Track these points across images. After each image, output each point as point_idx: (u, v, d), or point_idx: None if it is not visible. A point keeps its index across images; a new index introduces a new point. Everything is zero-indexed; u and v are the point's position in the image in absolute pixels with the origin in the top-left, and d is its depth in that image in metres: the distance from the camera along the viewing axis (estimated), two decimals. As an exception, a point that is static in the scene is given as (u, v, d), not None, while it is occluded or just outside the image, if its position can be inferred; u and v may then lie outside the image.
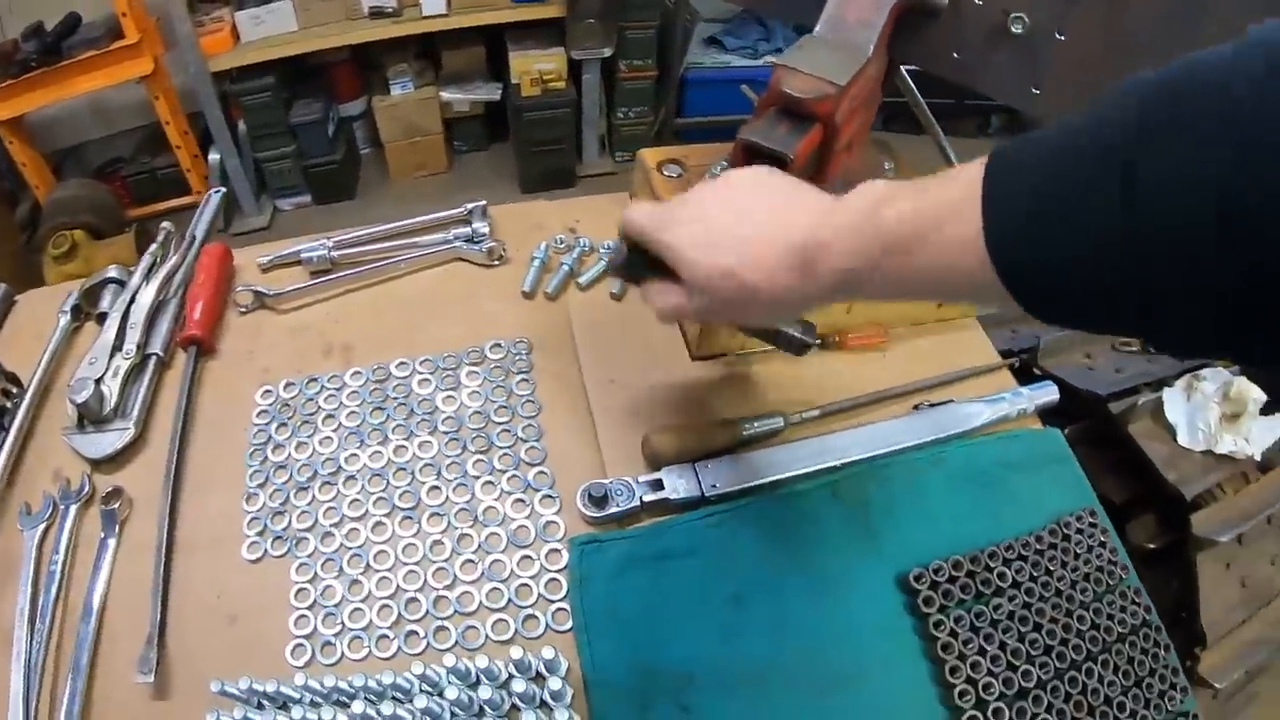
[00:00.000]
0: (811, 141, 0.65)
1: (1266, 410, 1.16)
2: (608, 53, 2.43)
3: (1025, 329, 1.21)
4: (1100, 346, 1.26)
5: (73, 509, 0.64)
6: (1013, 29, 0.68)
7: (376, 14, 2.21)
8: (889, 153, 0.89)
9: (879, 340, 0.74)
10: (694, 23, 2.57)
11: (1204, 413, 1.18)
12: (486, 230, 0.79)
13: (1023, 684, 0.57)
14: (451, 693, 0.49)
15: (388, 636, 0.56)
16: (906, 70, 0.82)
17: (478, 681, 0.52)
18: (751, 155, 0.64)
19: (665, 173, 0.81)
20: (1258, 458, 1.24)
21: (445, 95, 2.54)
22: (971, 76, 0.76)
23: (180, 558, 0.61)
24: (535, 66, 2.38)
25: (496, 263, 0.79)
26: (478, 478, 0.63)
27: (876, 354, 0.75)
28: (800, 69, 0.65)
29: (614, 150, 2.84)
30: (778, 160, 0.62)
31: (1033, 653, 0.58)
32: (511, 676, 0.52)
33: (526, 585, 0.58)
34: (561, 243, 0.80)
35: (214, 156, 2.32)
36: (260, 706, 0.51)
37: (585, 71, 2.47)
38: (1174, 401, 1.19)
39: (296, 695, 0.51)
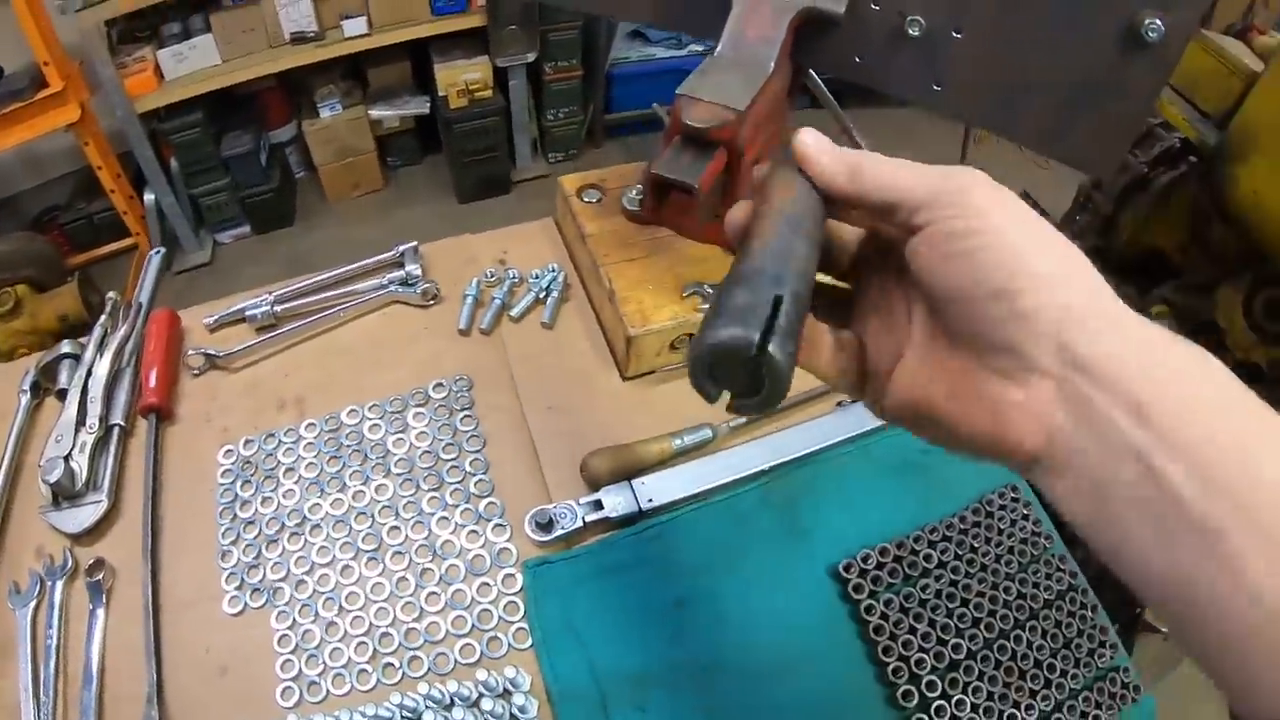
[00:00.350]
0: (716, 167, 0.69)
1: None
2: (531, 57, 2.47)
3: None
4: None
5: (59, 584, 0.69)
6: (910, 31, 0.74)
7: (299, 39, 2.23)
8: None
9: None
10: (617, 19, 2.60)
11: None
12: (419, 271, 0.83)
13: (954, 656, 0.63)
14: (429, 717, 0.56)
15: (366, 671, 0.62)
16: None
17: (451, 704, 0.59)
18: (661, 187, 0.69)
19: (585, 198, 0.85)
20: None
21: (374, 113, 2.57)
22: (875, 78, 0.81)
23: (167, 618, 0.66)
24: (461, 77, 2.41)
25: (432, 302, 0.84)
26: (432, 514, 0.69)
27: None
28: (701, 97, 0.70)
29: (547, 152, 2.90)
30: (684, 189, 0.67)
31: (961, 626, 0.64)
32: (481, 695, 0.59)
33: (487, 610, 0.64)
34: (492, 275, 0.85)
35: (149, 197, 2.33)
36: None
37: (511, 77, 2.51)
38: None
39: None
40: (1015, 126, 0.78)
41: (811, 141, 0.36)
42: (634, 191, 0.84)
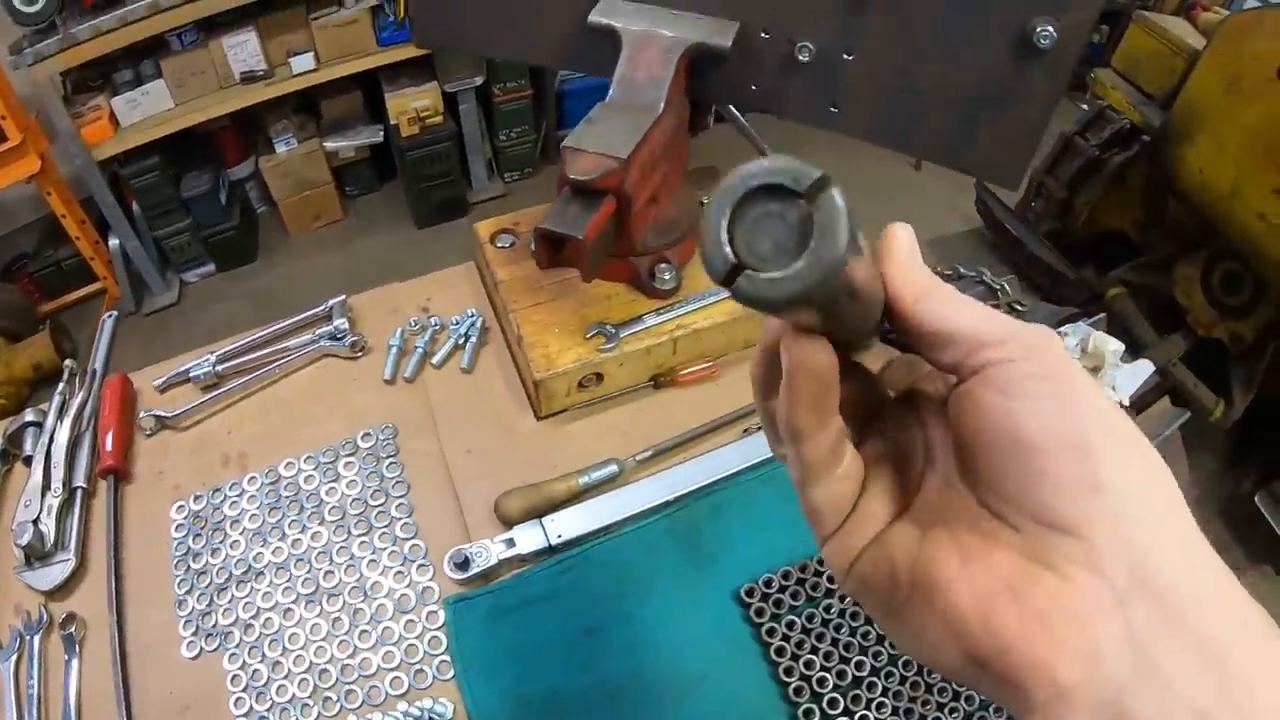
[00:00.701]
0: (604, 215, 0.74)
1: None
2: (480, 80, 2.54)
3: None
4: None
5: (36, 638, 0.76)
6: (800, 57, 0.78)
7: (249, 79, 2.31)
8: (710, 184, 1.00)
9: (710, 372, 0.87)
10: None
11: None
12: (346, 325, 0.90)
13: (856, 674, 0.67)
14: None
15: (309, 705, 0.69)
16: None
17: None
18: (550, 242, 0.75)
19: (498, 244, 0.92)
20: (1126, 402, 1.38)
21: (329, 145, 2.64)
22: (771, 105, 0.86)
23: (134, 664, 0.73)
24: (411, 105, 2.48)
25: (360, 354, 0.90)
26: (363, 557, 0.76)
27: (711, 384, 0.87)
28: (585, 148, 0.75)
29: (502, 172, 2.96)
30: (561, 242, 0.73)
31: (865, 644, 0.68)
32: (412, 720, 0.67)
33: (413, 644, 0.71)
34: (416, 324, 0.92)
35: (114, 242, 2.41)
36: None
37: (461, 102, 2.57)
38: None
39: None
40: (916, 142, 0.82)
41: (903, 240, 0.30)
42: (509, 239, 0.91)
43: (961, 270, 1.59)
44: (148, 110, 2.27)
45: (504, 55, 1.43)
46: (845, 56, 0.77)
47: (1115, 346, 1.37)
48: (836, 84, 0.80)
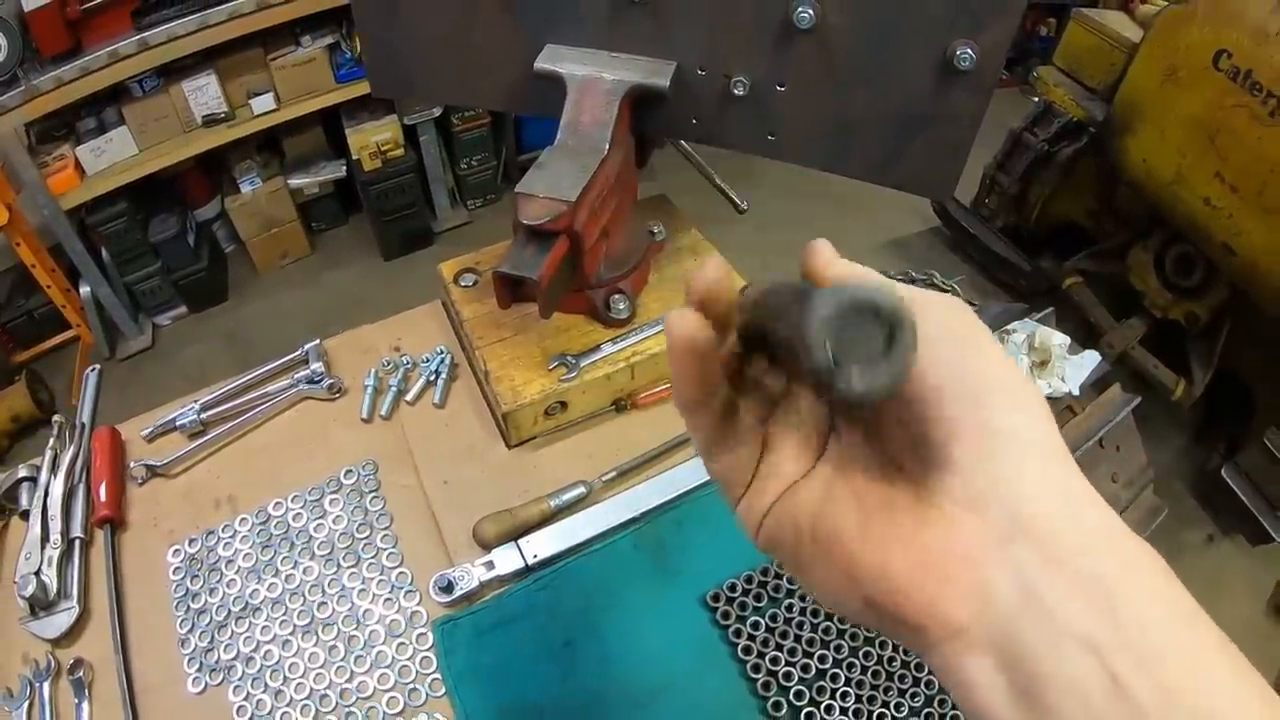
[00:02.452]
0: (557, 255, 0.80)
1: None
2: (438, 112, 2.62)
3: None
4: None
5: (46, 685, 0.82)
6: (735, 91, 0.84)
7: (211, 121, 2.39)
8: (660, 213, 1.07)
9: (668, 393, 0.93)
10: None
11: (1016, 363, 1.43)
12: (323, 368, 0.97)
13: (820, 667, 0.74)
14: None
15: None
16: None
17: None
18: (508, 282, 0.82)
19: (461, 283, 0.99)
20: (1076, 393, 1.49)
21: (293, 182, 2.72)
22: (713, 137, 0.92)
23: (142, 703, 0.79)
24: (372, 139, 2.56)
25: (337, 395, 0.97)
26: (353, 588, 0.83)
27: (668, 405, 0.94)
28: (536, 193, 0.81)
29: (465, 200, 3.05)
30: (520, 282, 0.80)
31: (826, 639, 0.75)
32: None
33: (406, 666, 0.78)
34: (388, 363, 0.99)
35: (85, 289, 2.47)
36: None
37: (421, 133, 2.65)
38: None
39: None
40: (849, 164, 0.87)
41: (823, 251, 0.33)
42: (472, 279, 0.98)
43: (913, 274, 1.69)
44: (113, 157, 2.34)
45: (456, 102, 1.50)
46: (778, 88, 0.83)
47: (1061, 340, 1.48)
48: (772, 114, 0.85)
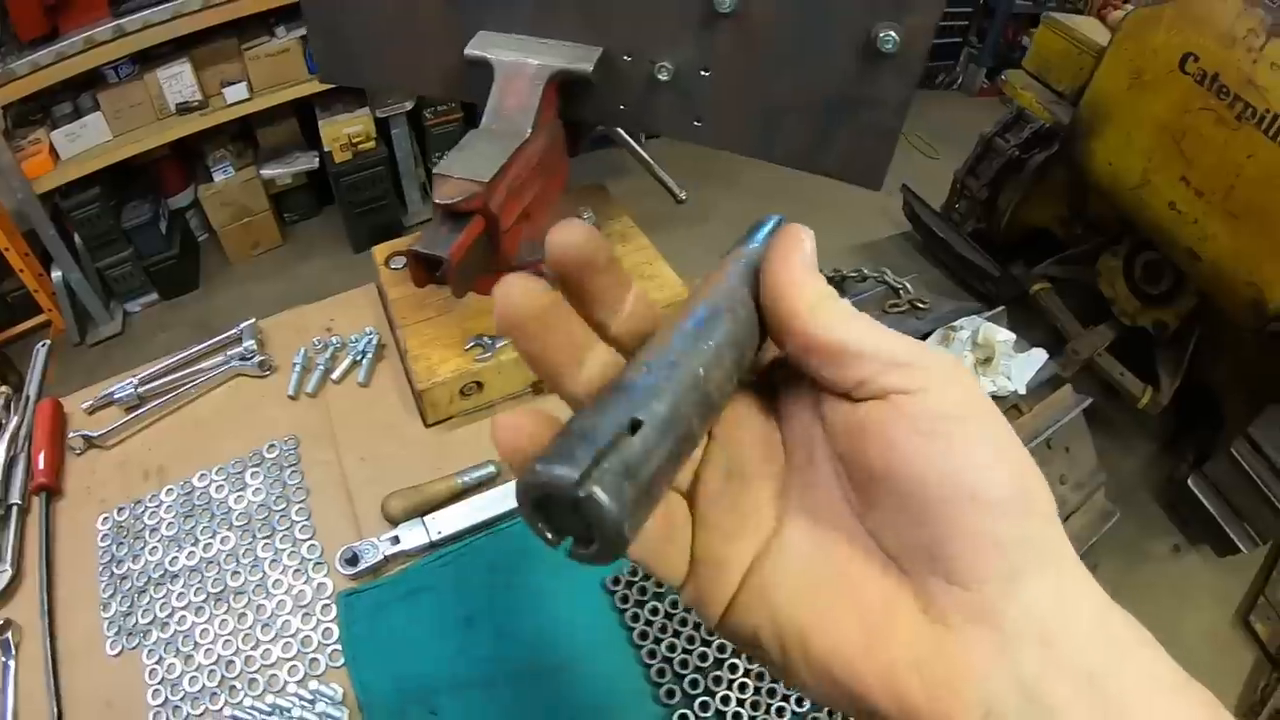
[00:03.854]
0: (470, 235, 0.81)
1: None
2: (410, 105, 2.67)
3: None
4: (868, 310, 1.52)
5: None
6: (660, 77, 0.86)
7: (184, 109, 2.45)
8: (593, 200, 1.11)
9: None
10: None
11: (960, 360, 1.45)
12: (255, 346, 1.01)
13: (718, 655, 0.75)
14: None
15: (216, 693, 0.79)
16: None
17: (272, 713, 0.77)
18: (423, 261, 0.85)
19: (392, 265, 1.03)
20: (1023, 391, 1.51)
21: (266, 173, 2.78)
22: (640, 122, 0.94)
23: (64, 664, 0.82)
24: (344, 131, 2.62)
25: (267, 373, 1.01)
26: (266, 558, 0.87)
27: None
28: (452, 174, 0.83)
29: None
30: (437, 262, 0.83)
31: None
32: (306, 704, 0.78)
33: (309, 636, 0.81)
34: (319, 343, 1.03)
35: (56, 274, 2.52)
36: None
37: (393, 127, 2.71)
38: (933, 353, 1.48)
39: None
40: (777, 150, 0.88)
41: (804, 248, 0.30)
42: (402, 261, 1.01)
43: (865, 271, 1.72)
44: (87, 142, 2.39)
45: (396, 88, 1.52)
46: (703, 73, 0.85)
47: (1005, 337, 1.51)
48: (697, 99, 0.87)
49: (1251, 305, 1.86)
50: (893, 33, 0.73)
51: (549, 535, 0.27)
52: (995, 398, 1.46)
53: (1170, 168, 1.92)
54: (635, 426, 0.25)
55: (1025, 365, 1.48)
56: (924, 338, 1.41)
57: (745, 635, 0.30)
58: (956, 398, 0.27)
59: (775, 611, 0.29)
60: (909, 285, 1.61)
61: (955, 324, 1.50)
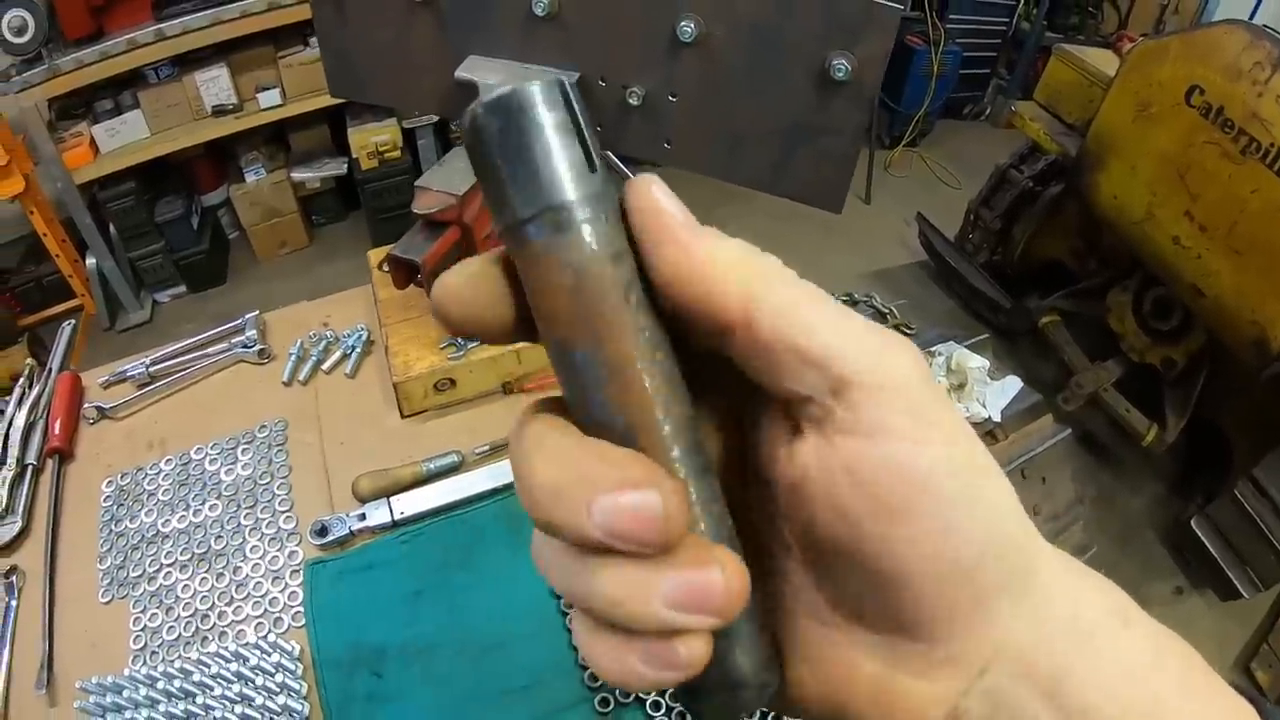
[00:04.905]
0: (445, 243, 0.92)
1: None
2: (436, 118, 2.79)
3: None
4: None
5: None
6: (631, 101, 0.92)
7: (220, 112, 2.62)
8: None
9: (551, 382, 1.07)
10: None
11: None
12: (256, 336, 1.13)
13: None
14: (215, 669, 0.86)
15: (190, 642, 0.90)
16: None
17: (233, 660, 0.88)
18: (402, 265, 0.96)
19: (383, 269, 1.14)
20: (997, 418, 1.56)
21: (296, 176, 2.92)
22: (615, 144, 1.02)
23: (60, 608, 0.94)
24: (372, 139, 2.74)
25: (265, 361, 1.13)
26: (247, 526, 0.98)
27: (553, 392, 1.08)
28: (430, 186, 0.94)
29: None
30: (413, 267, 0.93)
31: None
32: (264, 655, 0.88)
33: (276, 598, 0.92)
34: (314, 336, 1.14)
35: (90, 261, 2.68)
36: (104, 695, 0.88)
37: (419, 137, 2.83)
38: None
39: (127, 685, 0.87)
40: (740, 172, 0.94)
41: (661, 203, 0.24)
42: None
43: (855, 296, 1.78)
44: (126, 138, 2.56)
45: (398, 105, 1.61)
46: (670, 99, 0.91)
47: (979, 364, 1.56)
48: (666, 123, 0.93)
49: (1255, 344, 1.85)
50: (844, 62, 0.78)
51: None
52: (971, 424, 1.51)
53: (1174, 202, 1.92)
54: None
55: (1000, 392, 1.54)
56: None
57: None
58: (913, 427, 0.24)
59: None
60: (895, 310, 1.68)
61: (933, 349, 1.56)
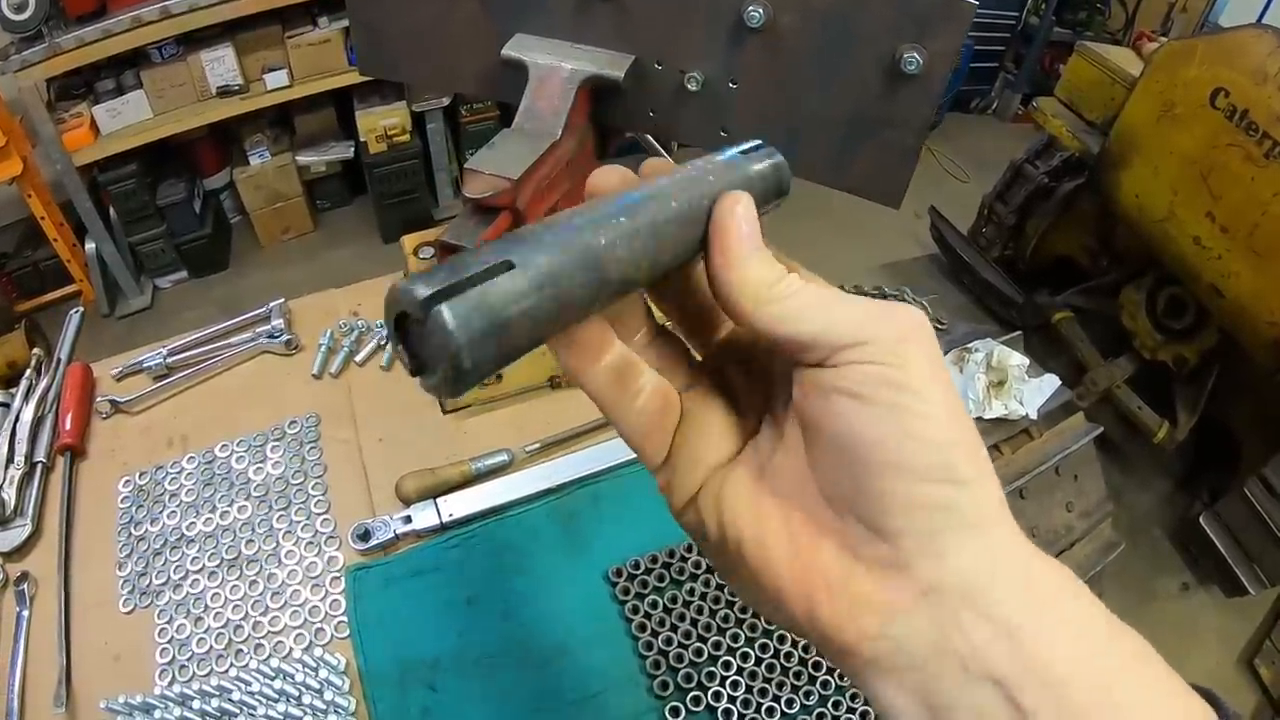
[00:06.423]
0: (497, 229, 0.83)
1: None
2: (447, 101, 2.70)
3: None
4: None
5: None
6: (689, 86, 0.87)
7: (225, 93, 2.50)
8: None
9: None
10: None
11: (973, 383, 1.47)
12: (283, 325, 1.05)
13: (713, 653, 0.78)
14: (256, 686, 0.78)
15: (223, 656, 0.82)
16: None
17: (276, 677, 0.80)
18: (449, 252, 0.88)
19: (421, 255, 1.06)
20: (1034, 416, 1.51)
21: (301, 159, 2.82)
22: (669, 130, 0.97)
23: (76, 617, 0.86)
24: (380, 123, 2.66)
25: (293, 352, 1.05)
26: (280, 529, 0.90)
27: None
28: (482, 170, 0.86)
29: None
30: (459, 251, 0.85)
31: (724, 626, 0.79)
32: (309, 671, 0.81)
33: (317, 607, 0.84)
34: (345, 326, 1.06)
35: (90, 246, 2.58)
36: (132, 715, 0.80)
37: (429, 121, 2.74)
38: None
39: (158, 704, 0.79)
40: (800, 163, 0.88)
41: (741, 229, 0.31)
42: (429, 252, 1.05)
43: (886, 290, 1.73)
44: (127, 119, 2.44)
45: (433, 86, 1.54)
46: (730, 85, 0.87)
47: (1019, 361, 1.51)
48: (724, 110, 0.89)
49: (1272, 345, 1.85)
50: (916, 55, 0.75)
51: (406, 361, 0.27)
52: (1006, 421, 1.47)
53: (1196, 202, 1.91)
54: (506, 268, 0.25)
55: (1038, 391, 1.48)
56: (940, 357, 1.43)
57: (696, 530, 0.34)
58: (903, 367, 0.28)
59: (722, 517, 0.32)
60: (927, 305, 1.62)
61: (970, 345, 1.51)
